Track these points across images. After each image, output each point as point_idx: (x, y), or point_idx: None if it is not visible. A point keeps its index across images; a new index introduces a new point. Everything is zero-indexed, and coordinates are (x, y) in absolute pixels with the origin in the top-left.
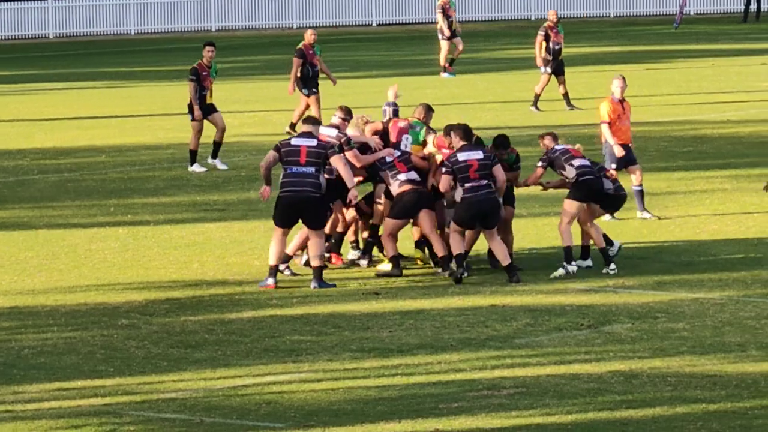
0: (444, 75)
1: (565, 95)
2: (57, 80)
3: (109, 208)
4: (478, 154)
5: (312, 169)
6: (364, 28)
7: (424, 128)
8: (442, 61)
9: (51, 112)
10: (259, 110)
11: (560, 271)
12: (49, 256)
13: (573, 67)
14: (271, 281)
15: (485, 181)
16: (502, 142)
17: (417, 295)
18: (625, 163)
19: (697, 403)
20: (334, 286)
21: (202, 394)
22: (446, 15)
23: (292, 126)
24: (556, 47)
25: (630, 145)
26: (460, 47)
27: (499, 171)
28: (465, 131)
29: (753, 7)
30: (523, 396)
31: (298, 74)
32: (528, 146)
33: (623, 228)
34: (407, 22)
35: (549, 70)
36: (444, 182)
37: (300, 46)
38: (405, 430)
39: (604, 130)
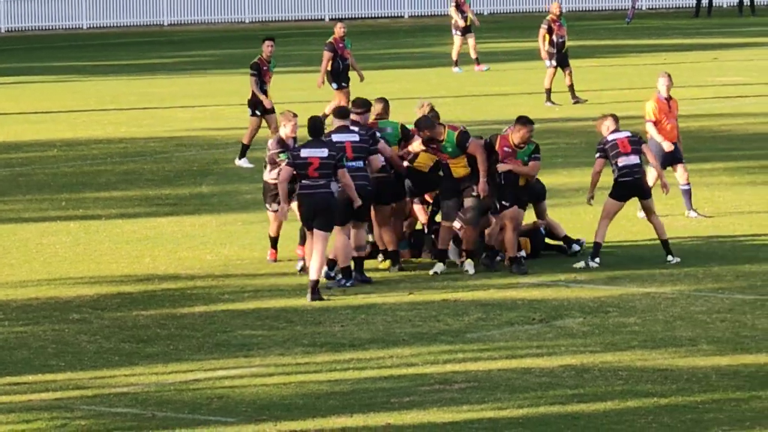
0: (455, 70)
1: (571, 87)
2: (7, 74)
3: (60, 202)
4: (323, 152)
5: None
6: (317, 22)
7: (398, 125)
8: (455, 56)
9: (1, 106)
10: (211, 105)
11: (581, 263)
12: (0, 251)
13: (526, 62)
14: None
15: (323, 181)
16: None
17: (369, 290)
18: (671, 161)
19: (648, 397)
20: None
21: (153, 389)
22: (460, 9)
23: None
24: (560, 40)
25: (677, 143)
26: (471, 42)
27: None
28: (313, 125)
29: (704, 2)
30: (474, 390)
31: (329, 68)
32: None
33: (576, 222)
34: (359, 16)
35: (554, 63)
36: (283, 174)
37: (330, 39)
38: (356, 425)
39: (650, 128)
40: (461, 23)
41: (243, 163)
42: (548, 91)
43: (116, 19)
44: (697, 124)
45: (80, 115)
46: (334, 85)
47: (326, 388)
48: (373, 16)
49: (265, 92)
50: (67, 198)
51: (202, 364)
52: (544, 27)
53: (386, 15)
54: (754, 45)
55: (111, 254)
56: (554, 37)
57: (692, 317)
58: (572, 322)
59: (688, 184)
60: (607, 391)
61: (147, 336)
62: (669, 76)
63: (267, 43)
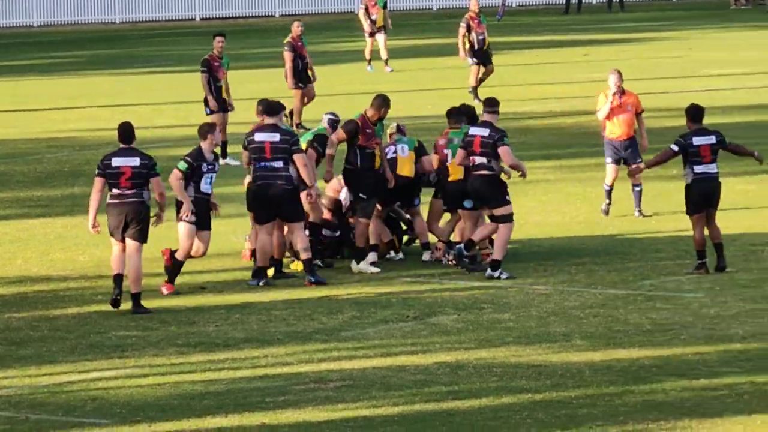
0: (368, 68)
1: (480, 82)
2: None
3: None
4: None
5: (280, 163)
6: (188, 22)
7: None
8: (367, 55)
9: None
10: (84, 106)
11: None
12: None
13: (399, 60)
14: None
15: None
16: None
17: (243, 289)
18: (624, 158)
19: (522, 393)
20: (325, 282)
21: (27, 391)
22: (368, 13)
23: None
24: (480, 37)
25: (633, 139)
26: (381, 42)
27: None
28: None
29: None
30: (349, 389)
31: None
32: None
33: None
34: (230, 16)
35: (475, 60)
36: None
37: (288, 39)
38: (232, 425)
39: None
40: (368, 29)
41: (229, 161)
42: (474, 89)
43: None
44: (569, 121)
45: None
46: (294, 84)
47: (201, 388)
48: (244, 15)
49: (219, 89)
50: None
51: (76, 366)
52: (462, 25)
53: (258, 14)
54: (624, 41)
55: None
56: (473, 35)
57: (566, 313)
58: (446, 319)
59: (640, 184)
60: (481, 387)
61: (19, 338)
62: (619, 72)
63: (217, 39)
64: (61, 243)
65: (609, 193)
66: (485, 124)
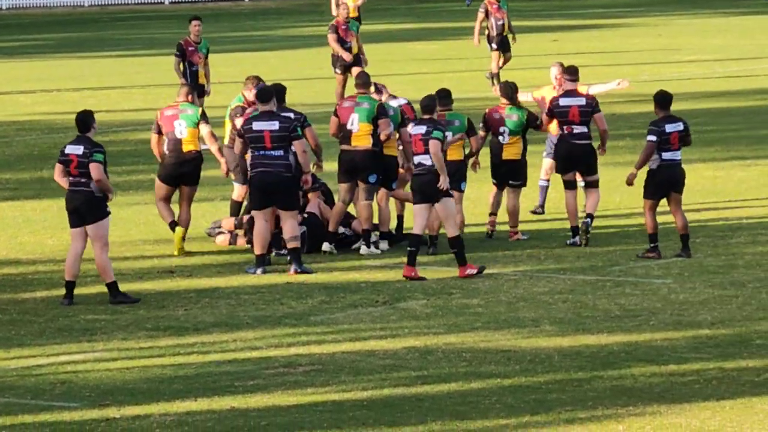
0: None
1: (496, 75)
2: None
3: None
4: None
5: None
6: (157, 5)
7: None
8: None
9: None
10: (53, 89)
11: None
12: None
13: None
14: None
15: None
16: (441, 96)
17: (212, 273)
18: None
19: (491, 378)
20: (313, 272)
21: None
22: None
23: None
24: (499, 23)
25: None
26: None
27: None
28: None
29: None
30: (318, 373)
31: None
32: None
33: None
34: (199, 0)
35: (495, 46)
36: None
37: (333, 22)
38: (201, 408)
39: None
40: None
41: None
42: (496, 76)
43: None
44: (538, 109)
45: None
46: (338, 70)
47: (170, 372)
48: None
49: (194, 74)
50: None
51: (45, 350)
52: (481, 11)
53: None
54: (593, 27)
55: None
56: (492, 20)
57: (535, 298)
58: (416, 304)
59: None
60: (450, 372)
61: None
62: (561, 65)
63: (193, 23)
64: (29, 226)
65: (545, 189)
66: (573, 93)
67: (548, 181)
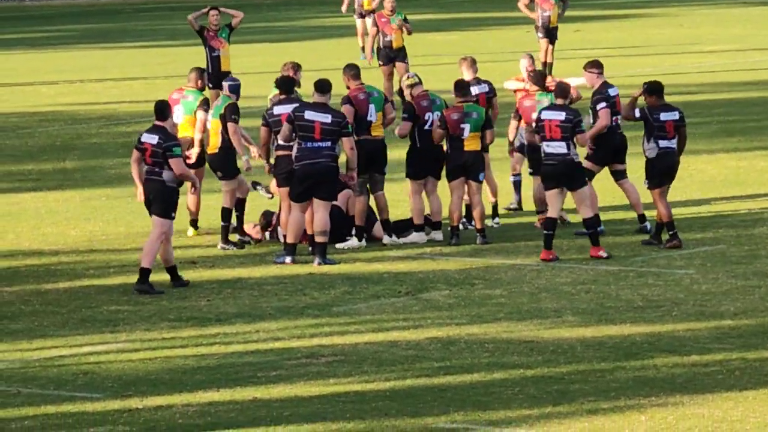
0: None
1: (544, 64)
2: None
3: None
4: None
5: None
6: None
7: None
8: (360, 42)
9: None
10: (74, 80)
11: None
12: None
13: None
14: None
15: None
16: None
17: (234, 264)
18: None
19: (514, 369)
20: (338, 263)
21: (18, 365)
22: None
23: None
24: (545, 14)
25: None
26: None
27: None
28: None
29: None
30: (341, 364)
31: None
32: None
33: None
34: None
35: (540, 35)
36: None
37: (374, 15)
38: (223, 399)
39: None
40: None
41: None
42: (549, 66)
43: None
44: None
45: None
46: (380, 62)
47: (192, 363)
48: None
49: (216, 59)
50: None
51: (67, 340)
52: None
53: None
54: (615, 18)
55: None
56: (539, 11)
57: (557, 289)
58: (438, 295)
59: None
60: (473, 363)
61: (11, 312)
62: (531, 56)
63: (212, 13)
64: (52, 217)
65: (518, 185)
66: (611, 85)
67: (519, 175)
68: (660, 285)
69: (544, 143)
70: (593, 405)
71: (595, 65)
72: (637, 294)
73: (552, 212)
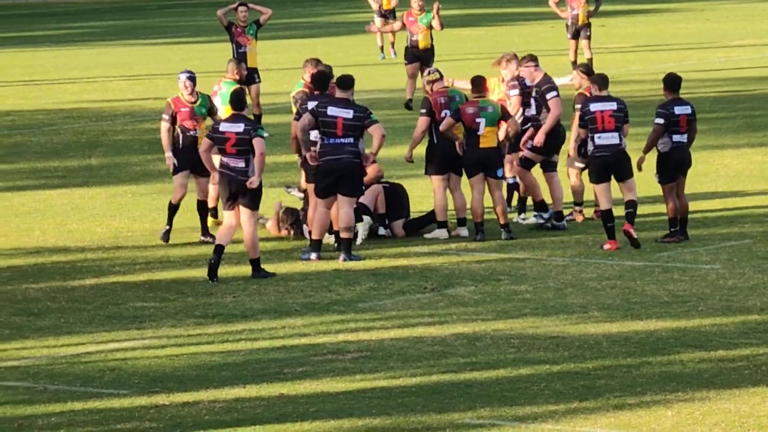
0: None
1: (573, 63)
2: None
3: None
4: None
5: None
6: None
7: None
8: (379, 41)
9: None
10: (100, 77)
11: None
12: None
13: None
14: (314, 255)
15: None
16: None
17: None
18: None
19: (540, 365)
20: (362, 258)
21: (45, 362)
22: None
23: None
24: (573, 12)
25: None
26: (389, 27)
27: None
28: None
29: None
30: (367, 360)
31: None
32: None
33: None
34: None
35: (569, 35)
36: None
37: (402, 15)
38: (250, 395)
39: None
40: (374, 6)
41: None
42: (572, 63)
43: None
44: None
45: None
46: (405, 60)
47: (219, 359)
48: None
49: (243, 56)
50: None
51: (94, 337)
52: None
53: None
54: (640, 12)
55: (0, 228)
56: (568, 9)
57: (583, 284)
58: (464, 291)
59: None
60: (499, 359)
61: (38, 309)
62: (516, 57)
63: (240, 9)
64: (78, 214)
65: (512, 187)
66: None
67: (515, 177)
68: (686, 280)
69: (596, 135)
70: (619, 400)
71: (531, 59)
72: (663, 289)
73: (605, 204)
